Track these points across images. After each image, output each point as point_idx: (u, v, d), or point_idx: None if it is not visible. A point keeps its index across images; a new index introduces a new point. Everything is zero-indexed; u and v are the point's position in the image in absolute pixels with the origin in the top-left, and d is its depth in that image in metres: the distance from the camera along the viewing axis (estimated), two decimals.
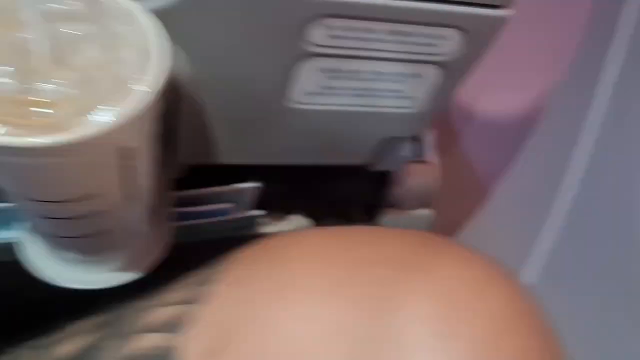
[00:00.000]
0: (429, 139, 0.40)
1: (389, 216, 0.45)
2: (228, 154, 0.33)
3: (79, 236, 0.24)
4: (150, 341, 0.20)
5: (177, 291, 0.23)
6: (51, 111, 0.20)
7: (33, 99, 0.19)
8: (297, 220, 0.43)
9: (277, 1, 0.25)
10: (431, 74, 0.31)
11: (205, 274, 0.22)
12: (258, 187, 0.36)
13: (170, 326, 0.20)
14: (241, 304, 0.19)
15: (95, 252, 0.26)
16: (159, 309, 0.22)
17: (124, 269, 0.26)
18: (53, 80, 0.20)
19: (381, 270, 0.18)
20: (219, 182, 0.36)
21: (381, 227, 0.21)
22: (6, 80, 0.20)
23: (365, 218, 0.46)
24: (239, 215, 0.36)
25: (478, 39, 0.29)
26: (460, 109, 0.53)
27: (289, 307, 0.18)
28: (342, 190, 0.42)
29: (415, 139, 0.38)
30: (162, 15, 0.23)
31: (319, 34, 0.27)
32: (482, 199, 0.49)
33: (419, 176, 0.44)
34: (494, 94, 0.50)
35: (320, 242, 0.20)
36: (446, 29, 0.28)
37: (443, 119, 0.55)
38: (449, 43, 0.29)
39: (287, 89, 0.30)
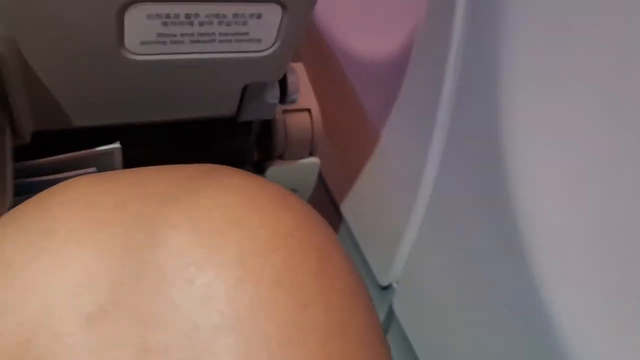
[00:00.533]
0: (300, 84, 0.39)
1: (273, 168, 0.45)
2: (75, 116, 0.32)
3: None
4: None
5: None
6: None
7: None
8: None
9: None
10: (273, 13, 0.30)
11: None
12: (119, 149, 0.35)
13: None
14: (1, 258, 0.18)
15: None
16: None
17: None
18: None
19: (143, 206, 0.18)
20: (83, 149, 0.35)
21: (165, 166, 0.21)
22: None
23: (254, 171, 0.46)
24: None
25: None
26: (340, 53, 0.53)
27: (42, 258, 0.17)
28: (219, 145, 0.41)
29: (282, 85, 0.38)
30: None
31: None
32: (371, 142, 0.49)
33: (298, 124, 0.43)
34: (368, 34, 0.49)
35: (86, 187, 0.19)
36: None
37: (323, 65, 0.55)
38: None
39: (119, 39, 0.28)
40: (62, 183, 0.20)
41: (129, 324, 0.16)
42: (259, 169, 0.46)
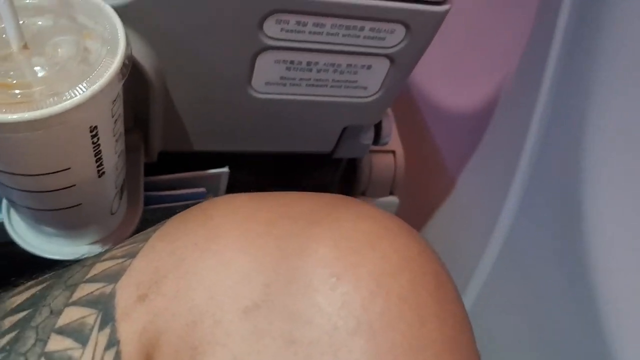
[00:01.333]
0: (392, 128, 0.43)
1: None
2: (197, 142, 0.36)
3: (52, 209, 0.27)
4: (91, 289, 0.23)
5: (121, 248, 0.25)
6: (25, 92, 0.22)
7: (10, 81, 0.22)
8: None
9: (230, 5, 0.28)
10: (381, 65, 0.33)
11: (146, 233, 0.25)
12: (227, 173, 0.39)
13: (109, 277, 0.23)
14: (168, 255, 0.22)
15: (70, 227, 0.29)
16: (104, 262, 0.24)
17: (96, 242, 0.29)
18: (27, 65, 0.23)
19: (292, 224, 0.21)
20: (195, 169, 0.39)
21: (301, 192, 0.24)
22: None
23: None
24: (208, 199, 0.39)
25: (421, 32, 0.32)
26: (424, 100, 0.56)
27: (208, 257, 0.21)
28: (306, 177, 0.45)
29: (377, 128, 0.41)
30: (123, 9, 0.26)
31: (274, 28, 0.30)
32: (446, 187, 0.52)
33: (383, 164, 0.47)
34: (453, 85, 0.53)
35: (242, 203, 0.23)
36: (392, 23, 0.31)
37: (407, 110, 0.58)
38: (395, 36, 0.32)
39: (247, 79, 0.32)
40: (221, 198, 0.24)
41: (279, 318, 0.19)
42: None
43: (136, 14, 0.27)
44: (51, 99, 0.22)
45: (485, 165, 0.48)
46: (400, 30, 0.31)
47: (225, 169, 0.39)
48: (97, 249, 0.29)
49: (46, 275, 0.25)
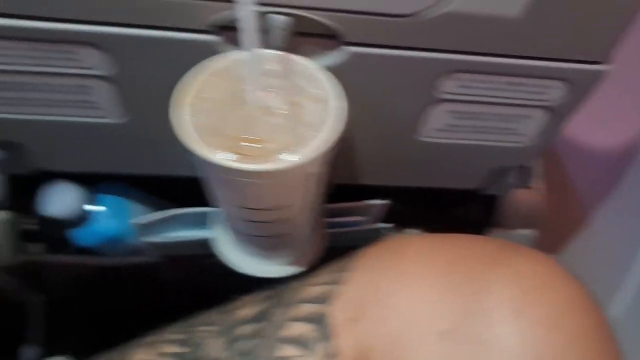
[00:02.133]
0: (536, 167, 0.45)
1: (495, 234, 0.51)
2: (365, 176, 0.41)
3: (266, 235, 0.32)
4: (306, 309, 0.28)
5: (322, 275, 0.30)
6: (260, 146, 0.28)
7: (252, 137, 0.28)
8: (411, 233, 0.50)
9: (417, 61, 0.32)
10: (539, 116, 0.37)
11: (343, 263, 0.30)
12: (387, 204, 0.43)
13: (320, 299, 0.28)
14: (371, 285, 0.27)
15: (274, 249, 0.34)
16: (311, 287, 0.30)
17: (293, 263, 0.34)
18: (265, 122, 0.28)
19: (473, 264, 0.26)
20: (354, 199, 0.44)
21: (474, 235, 0.29)
22: (229, 122, 0.28)
23: (474, 234, 0.52)
24: (371, 226, 0.44)
25: (581, 88, 0.35)
26: (565, 139, 0.58)
27: (405, 289, 0.25)
28: (454, 210, 0.49)
29: (523, 168, 0.44)
30: (334, 71, 0.31)
31: (450, 85, 0.34)
32: (583, 222, 0.54)
33: (525, 200, 0.49)
34: (596, 127, 0.54)
35: (427, 243, 0.28)
36: (553, 80, 0.34)
37: (549, 149, 0.60)
38: (555, 91, 0.35)
39: (418, 126, 0.37)
40: (409, 237, 0.29)
41: (469, 343, 0.23)
42: (479, 233, 0.52)
43: (341, 75, 0.32)
44: (285, 154, 0.27)
45: (625, 203, 0.49)
46: (561, 86, 0.35)
47: (387, 201, 0.43)
48: (292, 269, 0.34)
49: (263, 294, 0.31)
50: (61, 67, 0.31)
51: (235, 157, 0.27)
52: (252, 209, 0.29)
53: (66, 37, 0.30)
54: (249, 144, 0.28)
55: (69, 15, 0.29)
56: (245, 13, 0.26)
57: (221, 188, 0.30)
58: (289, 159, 0.27)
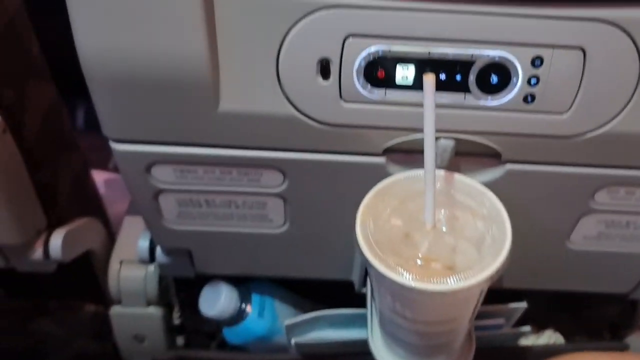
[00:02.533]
0: None
1: (633, 337, 0.50)
2: (514, 281, 0.41)
3: (427, 345, 0.33)
4: None
5: None
6: (439, 265, 0.29)
7: (431, 256, 0.30)
8: (550, 336, 0.50)
9: (573, 176, 0.33)
10: None
11: None
12: (524, 307, 0.44)
13: None
14: None
15: (430, 355, 0.35)
16: None
17: None
18: (441, 243, 0.30)
19: None
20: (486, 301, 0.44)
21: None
22: (406, 239, 0.30)
23: (611, 336, 0.51)
24: (512, 330, 0.44)
25: None
26: None
27: None
28: (593, 311, 0.48)
29: None
30: (491, 186, 0.32)
31: (604, 196, 0.35)
32: None
33: None
34: None
35: None
36: None
37: None
38: None
39: (570, 234, 0.38)
40: (580, 355, 0.29)
41: None
42: (616, 334, 0.51)
43: (498, 189, 0.33)
44: (462, 274, 0.28)
45: None
46: None
47: (524, 304, 0.43)
48: None
49: None
50: (246, 186, 0.35)
51: (410, 275, 0.29)
52: (422, 321, 0.31)
53: (256, 162, 0.33)
54: (432, 264, 0.30)
55: (263, 144, 0.32)
56: (428, 141, 0.29)
57: (392, 301, 0.32)
58: (471, 278, 0.28)
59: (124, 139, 0.32)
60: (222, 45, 0.29)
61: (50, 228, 0.42)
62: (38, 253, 0.42)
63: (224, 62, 0.29)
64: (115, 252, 0.48)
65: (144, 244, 0.42)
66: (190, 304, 0.45)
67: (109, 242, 0.50)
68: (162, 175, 0.34)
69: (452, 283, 0.28)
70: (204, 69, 0.29)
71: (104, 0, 0.27)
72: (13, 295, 0.52)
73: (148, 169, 0.34)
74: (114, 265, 0.47)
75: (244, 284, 0.46)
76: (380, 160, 0.33)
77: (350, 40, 0.29)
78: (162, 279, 0.47)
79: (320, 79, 0.30)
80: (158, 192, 0.35)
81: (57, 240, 0.41)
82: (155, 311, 0.48)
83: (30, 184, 0.39)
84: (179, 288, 0.47)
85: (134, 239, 0.45)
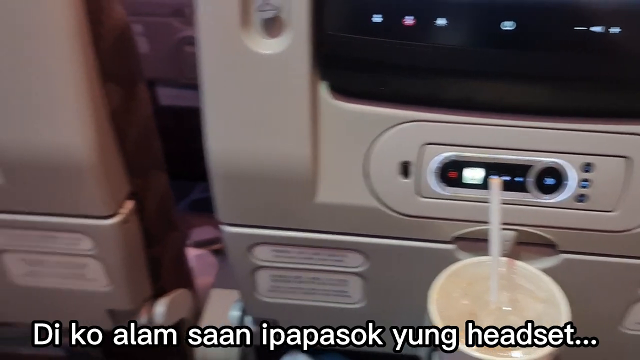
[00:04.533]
0: None
1: None
2: None
3: None
4: None
5: None
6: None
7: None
8: None
9: (624, 266, 0.38)
10: None
11: None
12: None
13: None
14: None
15: None
16: None
17: None
18: (505, 321, 0.34)
19: None
20: None
21: None
22: (473, 316, 0.35)
23: None
24: None
25: None
26: None
27: None
28: None
29: None
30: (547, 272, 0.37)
31: None
32: None
33: None
34: None
35: None
36: None
37: None
38: None
39: (620, 319, 0.41)
40: None
41: None
42: None
43: (553, 276, 0.37)
44: (525, 349, 0.33)
45: None
46: None
47: None
48: None
49: None
50: (331, 265, 0.40)
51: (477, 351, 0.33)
52: None
53: (342, 245, 0.39)
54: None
55: (349, 230, 0.38)
56: (494, 232, 0.34)
57: None
58: (533, 353, 0.32)
59: (234, 222, 0.39)
60: (323, 149, 0.35)
61: (154, 297, 0.49)
62: (143, 319, 0.48)
63: (323, 163, 0.36)
64: (204, 321, 0.53)
65: (235, 313, 0.47)
66: None
67: (196, 310, 0.56)
68: (261, 254, 0.40)
69: (518, 356, 0.32)
70: (308, 169, 0.35)
71: (238, 115, 0.34)
72: (109, 356, 0.58)
73: (250, 248, 0.40)
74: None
75: (319, 356, 0.50)
76: (450, 247, 0.38)
77: (427, 147, 0.35)
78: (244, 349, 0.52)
79: (401, 177, 0.36)
80: (256, 269, 0.41)
81: (161, 308, 0.47)
82: None
83: (144, 258, 0.46)
84: (260, 357, 0.52)
85: (220, 308, 0.51)
